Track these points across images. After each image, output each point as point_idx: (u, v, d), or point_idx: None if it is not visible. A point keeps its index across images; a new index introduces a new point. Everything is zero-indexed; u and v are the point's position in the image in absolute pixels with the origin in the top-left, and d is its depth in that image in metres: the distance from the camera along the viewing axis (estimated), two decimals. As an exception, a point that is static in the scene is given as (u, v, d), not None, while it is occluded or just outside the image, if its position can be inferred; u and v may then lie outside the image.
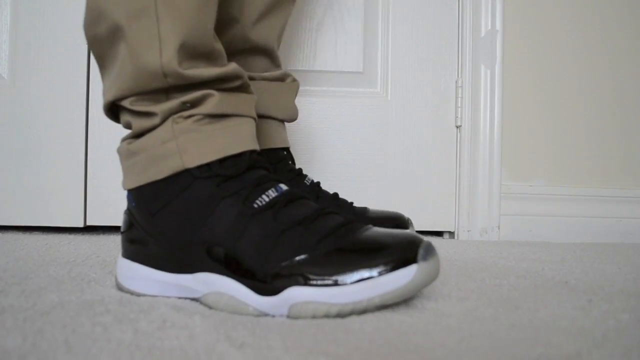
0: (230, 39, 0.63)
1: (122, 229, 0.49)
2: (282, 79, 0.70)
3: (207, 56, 0.47)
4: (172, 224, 0.45)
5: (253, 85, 0.52)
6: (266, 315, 0.41)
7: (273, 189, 0.45)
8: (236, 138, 0.46)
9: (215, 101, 0.45)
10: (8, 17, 0.89)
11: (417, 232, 0.98)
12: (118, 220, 0.63)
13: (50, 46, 0.89)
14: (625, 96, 1.03)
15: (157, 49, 0.44)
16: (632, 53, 1.03)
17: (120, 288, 0.48)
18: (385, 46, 0.99)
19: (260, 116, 0.66)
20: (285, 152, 0.71)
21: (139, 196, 0.47)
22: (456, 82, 0.99)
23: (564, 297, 0.48)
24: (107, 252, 0.70)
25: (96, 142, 0.90)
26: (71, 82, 0.90)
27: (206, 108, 0.45)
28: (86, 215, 0.91)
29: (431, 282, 0.42)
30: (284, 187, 0.46)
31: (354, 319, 0.39)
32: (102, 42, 0.47)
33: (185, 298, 0.45)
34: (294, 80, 0.72)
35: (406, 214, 0.96)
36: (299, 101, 0.97)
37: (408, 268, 0.40)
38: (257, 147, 0.47)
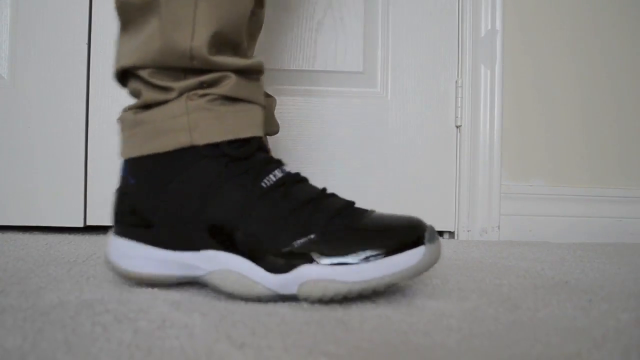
0: None
1: (115, 208, 0.48)
2: None
3: (234, 48, 0.47)
4: (176, 200, 0.44)
5: None
6: (275, 293, 0.41)
7: (278, 170, 0.46)
8: (246, 122, 0.46)
9: (231, 84, 0.46)
10: (8, 17, 0.89)
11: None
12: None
13: (50, 46, 0.89)
14: (624, 96, 1.03)
15: (190, 32, 0.44)
16: (632, 53, 1.03)
17: (114, 268, 0.47)
18: (385, 46, 0.99)
19: None
20: None
21: (139, 170, 0.46)
22: (456, 82, 0.99)
23: (564, 297, 0.48)
24: (107, 252, 0.70)
25: (96, 142, 0.90)
26: (71, 82, 0.90)
27: (222, 89, 0.45)
28: (86, 215, 0.91)
29: (434, 264, 0.43)
30: (286, 168, 0.47)
31: (354, 319, 0.39)
32: (132, 10, 0.46)
33: (186, 279, 0.45)
34: (269, 95, 0.74)
35: (406, 214, 0.97)
36: (300, 101, 0.98)
37: (417, 249, 0.41)
38: (262, 134, 0.48)
